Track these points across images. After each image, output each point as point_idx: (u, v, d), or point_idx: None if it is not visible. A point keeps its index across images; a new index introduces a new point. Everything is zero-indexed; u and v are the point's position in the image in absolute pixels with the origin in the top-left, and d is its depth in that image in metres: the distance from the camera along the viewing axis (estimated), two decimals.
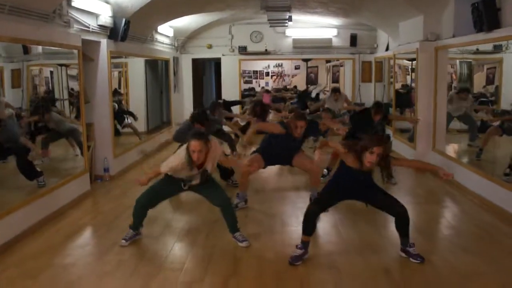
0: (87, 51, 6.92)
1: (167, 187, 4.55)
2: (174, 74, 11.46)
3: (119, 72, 10.75)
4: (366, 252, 4.32)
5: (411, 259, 4.08)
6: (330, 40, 11.87)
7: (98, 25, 6.83)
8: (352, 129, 6.61)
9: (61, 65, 7.55)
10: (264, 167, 5.72)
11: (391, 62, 9.91)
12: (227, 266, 4.07)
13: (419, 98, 7.72)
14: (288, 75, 16.13)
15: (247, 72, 16.09)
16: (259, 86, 15.75)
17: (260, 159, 5.60)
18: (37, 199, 5.17)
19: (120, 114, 9.46)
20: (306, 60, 12.46)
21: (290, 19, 10.11)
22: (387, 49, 10.29)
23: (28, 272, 3.99)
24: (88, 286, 3.76)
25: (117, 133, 10.12)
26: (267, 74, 16.26)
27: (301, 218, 4.18)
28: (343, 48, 11.92)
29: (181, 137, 5.88)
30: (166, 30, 10.43)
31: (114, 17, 7.14)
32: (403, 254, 4.16)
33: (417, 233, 4.68)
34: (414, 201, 6.00)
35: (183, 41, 11.82)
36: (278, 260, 4.13)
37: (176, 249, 4.51)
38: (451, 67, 8.97)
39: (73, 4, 5.98)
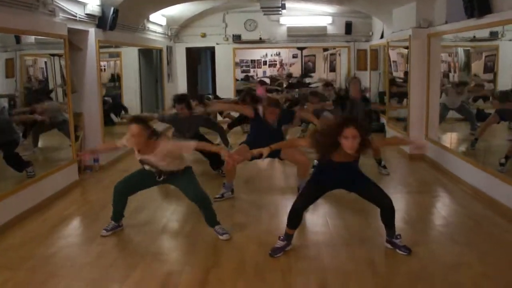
0: (75, 41, 6.84)
1: (143, 177, 4.50)
2: (168, 63, 11.36)
3: (115, 61, 10.71)
4: (352, 243, 4.26)
5: (397, 250, 4.01)
6: (325, 28, 11.75)
7: (86, 14, 6.74)
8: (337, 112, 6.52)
9: (53, 55, 7.49)
10: (250, 160, 5.59)
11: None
12: (209, 257, 4.02)
13: (412, 86, 7.63)
14: (286, 64, 16.01)
15: (244, 61, 15.96)
16: (257, 75, 15.67)
17: (247, 150, 5.54)
18: (22, 190, 5.13)
19: (118, 107, 9.44)
20: (301, 49, 12.34)
21: (283, 6, 10.00)
22: (382, 36, 10.19)
23: (8, 263, 3.96)
24: (67, 277, 3.72)
25: (111, 122, 10.13)
26: (265, 63, 16.16)
27: (289, 209, 4.09)
28: (338, 36, 11.81)
29: (161, 118, 6.68)
30: (158, 19, 10.33)
31: (102, 5, 7.05)
32: (389, 246, 4.09)
33: (406, 224, 4.64)
34: (405, 191, 5.96)
35: (177, 30, 11.71)
36: (262, 251, 4.08)
37: (159, 240, 4.47)
38: (449, 56, 8.86)
39: None
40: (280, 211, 5.18)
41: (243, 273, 3.71)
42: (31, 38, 6.37)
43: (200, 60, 14.35)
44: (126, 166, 7.34)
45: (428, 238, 4.45)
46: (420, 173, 6.83)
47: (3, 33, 5.19)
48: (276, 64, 16.01)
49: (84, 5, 6.66)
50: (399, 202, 5.39)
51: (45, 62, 7.60)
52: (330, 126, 3.75)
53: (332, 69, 14.63)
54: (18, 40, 6.55)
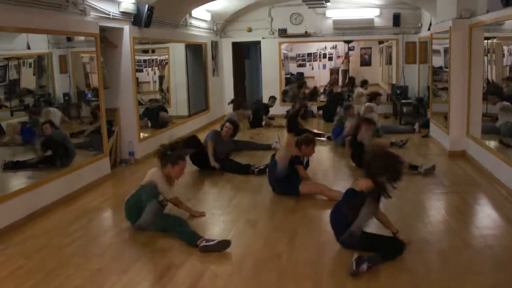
0: (110, 38, 7.10)
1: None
2: (213, 58, 11.50)
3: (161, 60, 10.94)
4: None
5: (356, 268, 3.51)
6: (372, 20, 11.44)
7: (120, 11, 6.95)
8: None
9: None
10: None
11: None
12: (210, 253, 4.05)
13: (452, 81, 7.27)
14: (341, 57, 15.75)
15: (301, 55, 15.89)
16: (312, 69, 15.53)
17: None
18: (49, 182, 5.39)
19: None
20: (348, 42, 12.07)
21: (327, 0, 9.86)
22: (429, 28, 9.75)
23: (25, 251, 4.20)
24: (74, 267, 3.88)
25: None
26: (324, 56, 15.97)
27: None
28: (385, 28, 11.46)
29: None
30: (202, 14, 10.48)
31: (138, 3, 7.24)
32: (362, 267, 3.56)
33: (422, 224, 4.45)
34: (435, 191, 5.68)
35: (223, 25, 11.82)
36: (266, 250, 4.06)
37: (165, 237, 4.42)
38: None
39: None
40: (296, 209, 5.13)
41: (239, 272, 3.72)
42: (80, 37, 6.65)
43: (249, 55, 14.40)
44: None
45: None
46: (455, 172, 6.50)
47: (32, 33, 5.46)
48: (332, 57, 15.87)
49: (118, 3, 6.88)
50: (428, 202, 5.24)
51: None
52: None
53: (388, 61, 14.26)
54: (69, 38, 6.90)
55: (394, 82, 11.85)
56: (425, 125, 9.12)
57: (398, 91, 11.26)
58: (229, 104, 10.94)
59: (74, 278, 3.68)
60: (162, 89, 10.74)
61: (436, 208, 5.10)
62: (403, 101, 10.64)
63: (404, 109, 10.48)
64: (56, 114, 6.72)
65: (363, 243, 3.75)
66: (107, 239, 4.44)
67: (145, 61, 10.91)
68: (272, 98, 11.37)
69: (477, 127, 7.00)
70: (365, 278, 3.46)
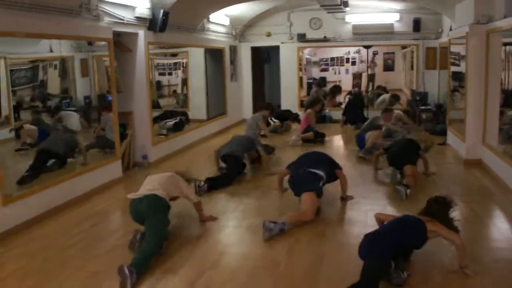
0: (126, 43, 7.21)
1: None
2: (231, 62, 11.55)
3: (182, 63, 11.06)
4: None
5: None
6: (391, 25, 11.29)
7: (135, 17, 7.05)
8: None
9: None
10: None
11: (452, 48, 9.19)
12: (208, 257, 4.06)
13: (469, 88, 7.12)
14: (364, 62, 15.62)
15: (324, 60, 15.84)
16: (335, 73, 15.46)
17: None
18: (59, 184, 5.51)
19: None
20: (367, 47, 11.96)
21: (345, 4, 9.77)
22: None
23: (29, 251, 4.31)
24: (73, 268, 3.95)
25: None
26: (347, 60, 15.87)
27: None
28: (405, 33, 11.28)
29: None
30: (220, 19, 10.53)
31: (153, 8, 7.33)
32: None
33: None
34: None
35: (242, 29, 11.85)
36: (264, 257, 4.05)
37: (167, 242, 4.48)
38: None
39: None
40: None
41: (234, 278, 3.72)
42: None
43: (270, 59, 14.40)
44: (173, 163, 7.63)
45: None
46: (469, 181, 6.35)
47: (43, 38, 5.58)
48: (355, 61, 15.75)
49: (133, 8, 6.98)
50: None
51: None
52: None
53: (412, 67, 14.08)
54: (89, 42, 7.04)
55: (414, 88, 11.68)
56: (443, 133, 8.95)
57: (417, 97, 11.09)
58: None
59: (72, 279, 3.75)
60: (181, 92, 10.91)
61: None
62: (422, 107, 10.47)
63: (423, 116, 10.31)
64: (71, 117, 6.87)
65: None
66: (110, 242, 4.50)
67: (175, 64, 11.11)
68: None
69: (493, 135, 6.84)
70: None
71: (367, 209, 5.12)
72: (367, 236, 3.68)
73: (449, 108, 8.57)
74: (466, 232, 4.53)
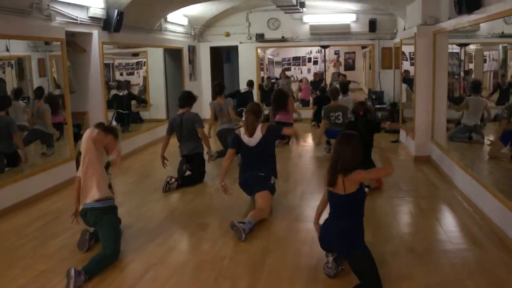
0: (81, 43, 7.17)
1: None
2: (190, 62, 11.58)
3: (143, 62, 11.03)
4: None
5: None
6: (348, 25, 11.58)
7: (89, 17, 7.02)
8: None
9: None
10: None
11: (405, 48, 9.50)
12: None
13: (417, 87, 7.39)
14: (327, 61, 15.90)
15: (286, 59, 16.03)
16: (301, 73, 15.66)
17: None
18: (10, 184, 5.46)
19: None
20: (324, 47, 12.18)
21: (302, 5, 9.94)
22: None
23: None
24: (20, 267, 3.95)
25: (140, 120, 10.46)
26: (309, 60, 16.09)
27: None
28: (362, 34, 11.59)
29: None
30: (179, 19, 10.56)
31: (107, 8, 7.31)
32: None
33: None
34: (392, 196, 5.76)
35: (200, 29, 11.90)
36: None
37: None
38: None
39: None
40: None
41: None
42: None
43: (230, 59, 14.48)
44: (131, 163, 7.64)
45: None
46: (417, 177, 6.60)
47: None
48: (317, 61, 15.99)
49: (87, 8, 6.95)
50: (386, 207, 5.32)
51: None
52: None
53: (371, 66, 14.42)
54: (46, 41, 6.95)
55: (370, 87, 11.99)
56: (396, 131, 9.23)
57: (373, 96, 11.39)
58: None
59: (19, 278, 3.75)
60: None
61: (387, 212, 5.18)
62: (378, 106, 10.76)
63: (379, 114, 10.60)
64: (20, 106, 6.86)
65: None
66: (60, 241, 4.50)
67: (137, 63, 11.06)
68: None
69: (441, 132, 7.12)
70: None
71: (316, 205, 5.24)
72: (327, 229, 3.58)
73: (401, 106, 8.85)
74: (409, 225, 4.76)
